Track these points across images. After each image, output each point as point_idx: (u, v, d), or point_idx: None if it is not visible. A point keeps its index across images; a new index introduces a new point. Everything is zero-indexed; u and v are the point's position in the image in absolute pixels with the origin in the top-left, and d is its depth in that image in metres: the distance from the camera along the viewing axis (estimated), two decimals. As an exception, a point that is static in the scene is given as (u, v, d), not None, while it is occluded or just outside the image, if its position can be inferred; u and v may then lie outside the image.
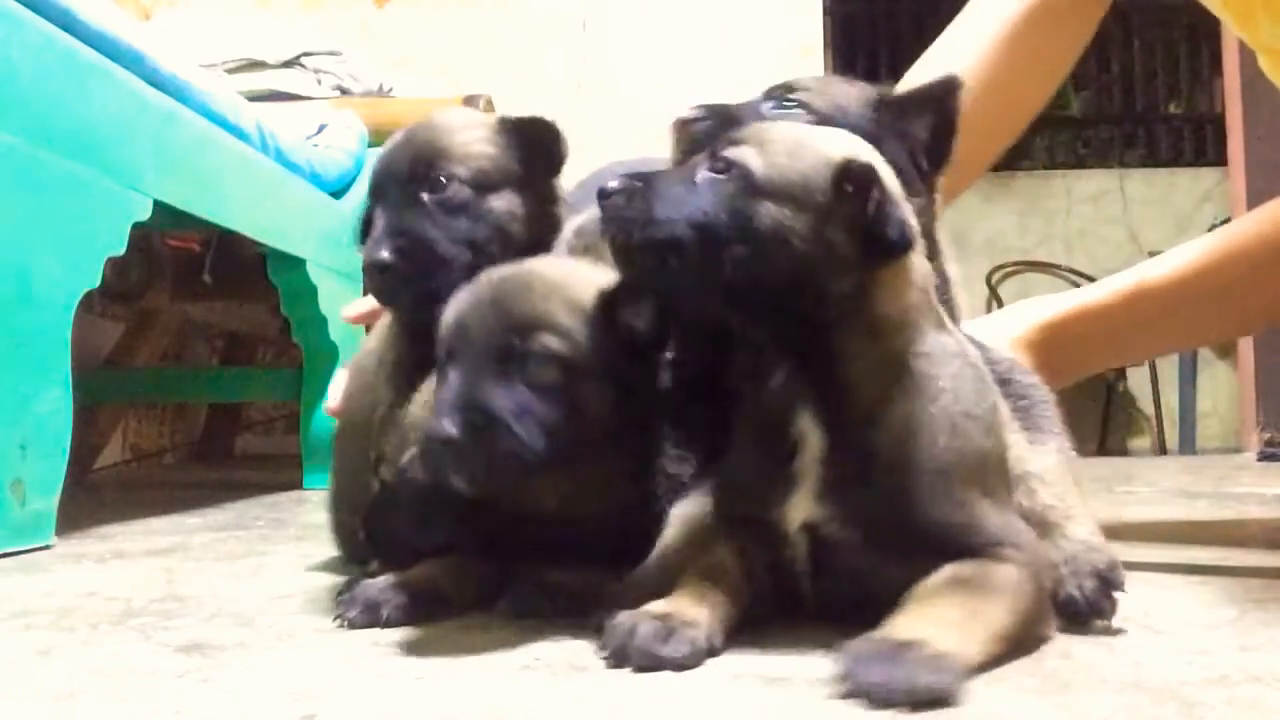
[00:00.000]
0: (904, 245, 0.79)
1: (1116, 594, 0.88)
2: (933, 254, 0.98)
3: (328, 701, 0.68)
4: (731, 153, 0.82)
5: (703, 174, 0.81)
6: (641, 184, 0.82)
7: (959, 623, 0.71)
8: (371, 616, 0.90)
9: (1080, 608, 0.87)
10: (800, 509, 0.81)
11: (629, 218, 0.81)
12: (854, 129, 0.94)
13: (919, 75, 1.44)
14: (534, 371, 0.86)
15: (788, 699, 0.68)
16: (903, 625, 0.70)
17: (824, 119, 0.96)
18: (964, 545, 0.78)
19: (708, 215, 0.79)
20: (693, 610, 0.77)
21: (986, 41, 1.43)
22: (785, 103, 0.98)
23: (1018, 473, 0.92)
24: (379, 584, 0.93)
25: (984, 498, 0.80)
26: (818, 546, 0.81)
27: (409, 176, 1.08)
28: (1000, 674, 0.73)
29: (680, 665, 0.73)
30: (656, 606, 0.77)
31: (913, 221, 0.81)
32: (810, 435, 0.81)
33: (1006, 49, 1.42)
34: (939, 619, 0.71)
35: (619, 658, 0.74)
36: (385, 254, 1.04)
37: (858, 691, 0.64)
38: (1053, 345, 1.36)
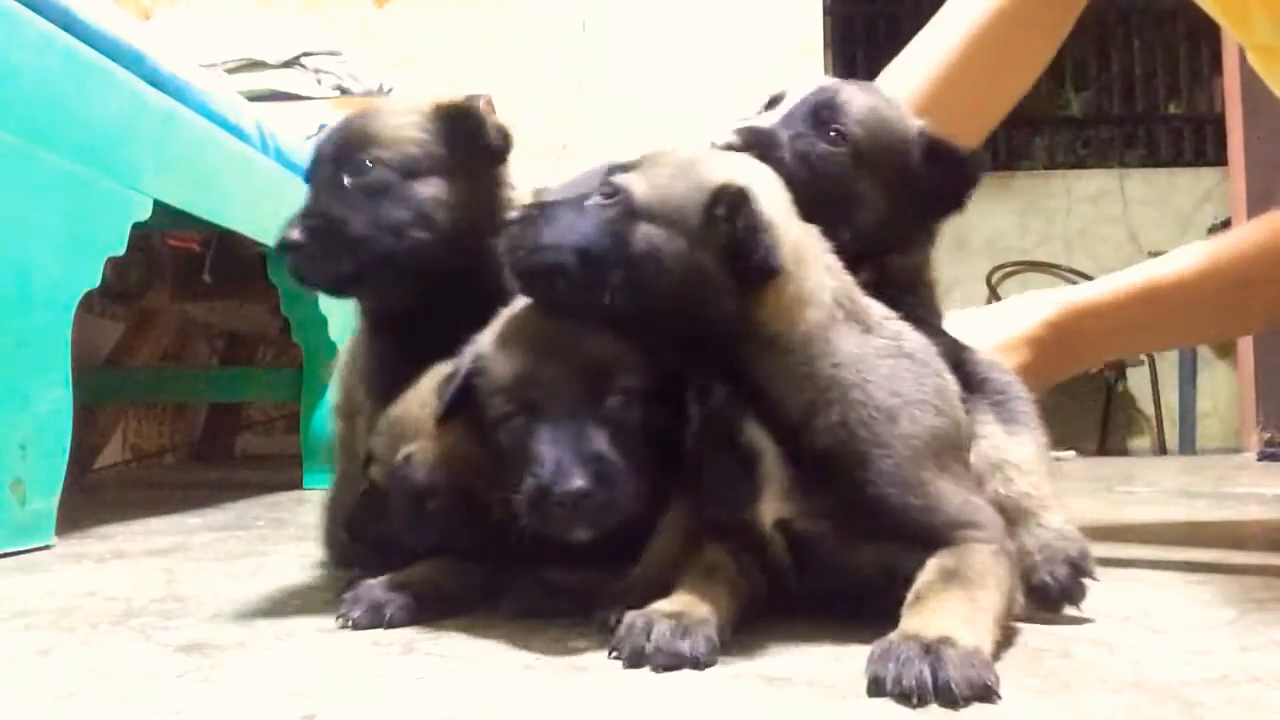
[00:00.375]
0: (767, 270, 0.79)
1: (1086, 580, 0.91)
2: (920, 302, 0.99)
3: (328, 701, 0.68)
4: (619, 179, 0.84)
5: (592, 200, 0.84)
6: (539, 211, 0.85)
7: (968, 616, 0.72)
8: (375, 617, 0.90)
9: (1052, 593, 0.91)
10: (770, 509, 0.83)
11: (520, 243, 0.84)
12: (890, 158, 0.97)
13: (900, 69, 1.45)
14: (621, 412, 0.86)
15: (788, 699, 0.68)
16: (919, 624, 0.71)
17: (857, 148, 0.97)
18: (925, 526, 0.80)
19: (589, 239, 0.81)
20: (700, 608, 0.78)
21: (962, 34, 1.44)
22: (826, 131, 0.97)
23: (995, 460, 0.95)
24: (381, 584, 0.93)
25: (940, 475, 0.81)
26: (794, 541, 0.84)
27: (335, 161, 1.08)
28: (1000, 674, 0.73)
29: (697, 662, 0.74)
30: (666, 605, 0.78)
31: (786, 247, 0.80)
32: (761, 443, 0.82)
33: (982, 42, 1.43)
34: (950, 613, 0.72)
35: (636, 658, 0.74)
36: (294, 234, 1.05)
37: (901, 691, 0.65)
38: (1060, 341, 1.38)
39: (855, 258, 0.89)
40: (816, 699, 0.68)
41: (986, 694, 0.65)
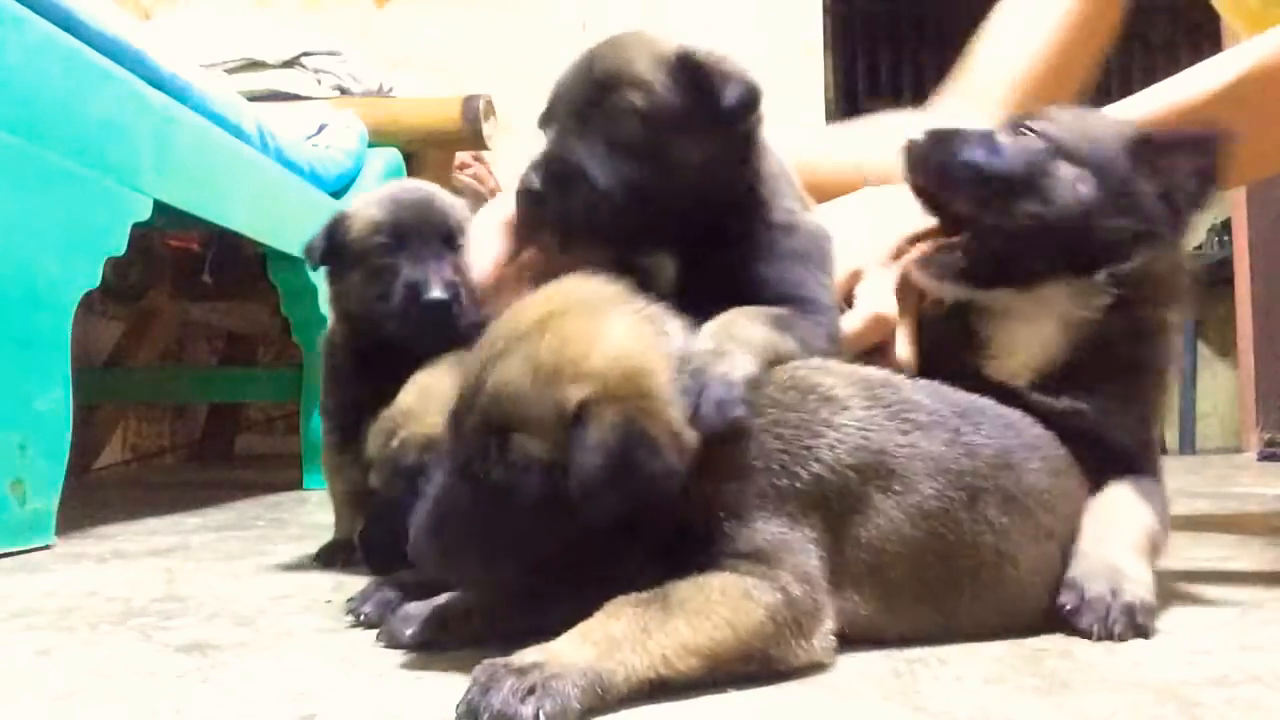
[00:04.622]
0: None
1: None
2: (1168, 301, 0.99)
3: (328, 701, 0.68)
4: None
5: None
6: None
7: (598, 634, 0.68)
8: (386, 613, 0.90)
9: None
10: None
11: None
12: (1103, 165, 0.96)
13: (987, 51, 1.46)
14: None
15: (787, 699, 0.68)
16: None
17: (1063, 149, 0.97)
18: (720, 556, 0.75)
19: None
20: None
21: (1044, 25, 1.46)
22: (1021, 130, 0.99)
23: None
24: (392, 583, 0.93)
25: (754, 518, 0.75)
26: None
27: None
28: (1000, 674, 0.73)
29: None
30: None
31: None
32: None
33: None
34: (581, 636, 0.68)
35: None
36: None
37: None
38: None
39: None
40: (816, 699, 0.68)
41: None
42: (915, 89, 6.78)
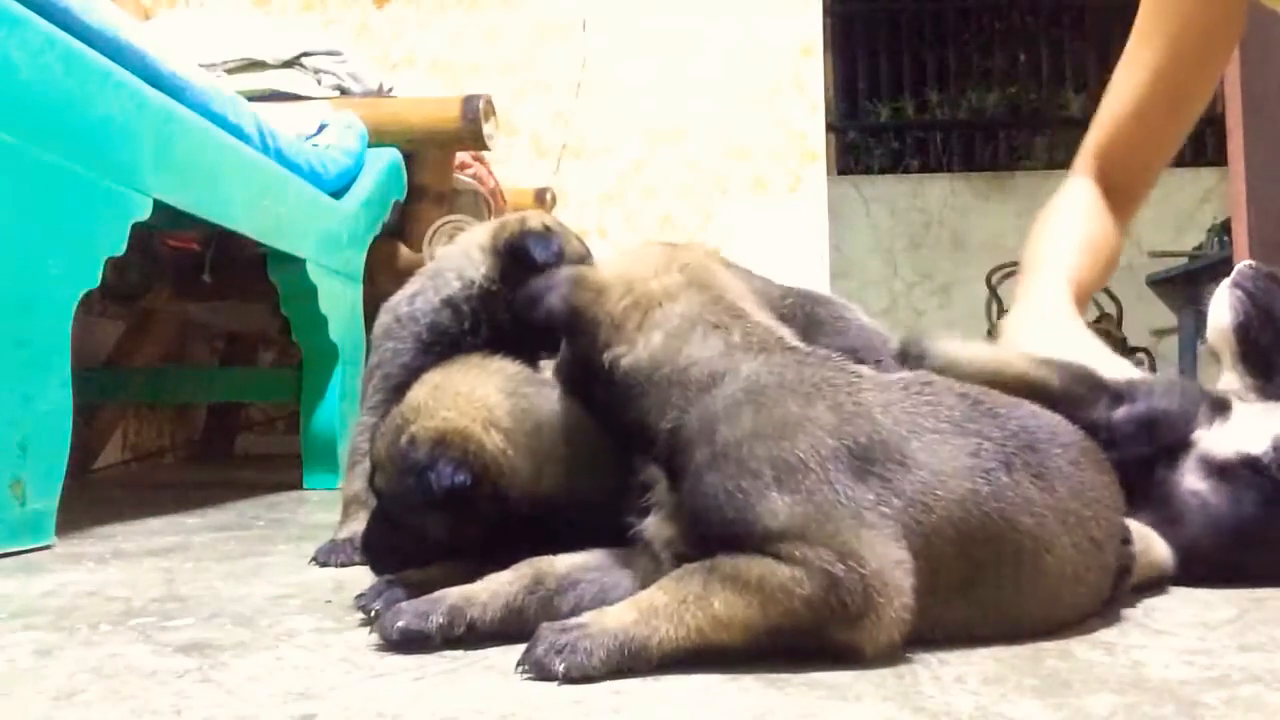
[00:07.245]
0: None
1: None
2: None
3: (328, 701, 0.68)
4: None
5: None
6: None
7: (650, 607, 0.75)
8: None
9: None
10: (660, 530, 0.84)
11: None
12: None
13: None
14: None
15: (787, 699, 0.68)
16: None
17: None
18: (742, 536, 0.76)
19: None
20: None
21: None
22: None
23: None
24: (398, 581, 0.93)
25: (768, 489, 0.76)
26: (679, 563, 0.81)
27: None
28: (1000, 674, 0.73)
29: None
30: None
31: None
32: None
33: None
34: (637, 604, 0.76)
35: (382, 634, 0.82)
36: None
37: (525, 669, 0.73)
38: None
39: None
40: (816, 699, 0.68)
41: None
42: (915, 89, 6.79)
